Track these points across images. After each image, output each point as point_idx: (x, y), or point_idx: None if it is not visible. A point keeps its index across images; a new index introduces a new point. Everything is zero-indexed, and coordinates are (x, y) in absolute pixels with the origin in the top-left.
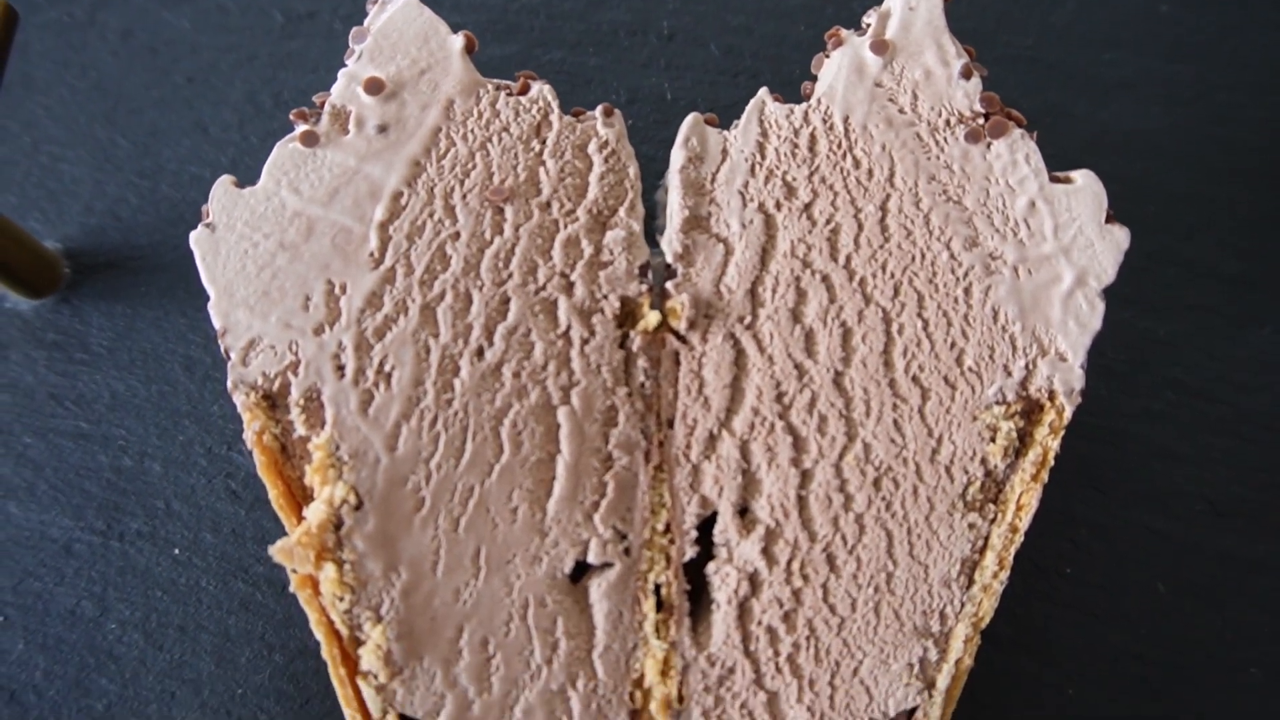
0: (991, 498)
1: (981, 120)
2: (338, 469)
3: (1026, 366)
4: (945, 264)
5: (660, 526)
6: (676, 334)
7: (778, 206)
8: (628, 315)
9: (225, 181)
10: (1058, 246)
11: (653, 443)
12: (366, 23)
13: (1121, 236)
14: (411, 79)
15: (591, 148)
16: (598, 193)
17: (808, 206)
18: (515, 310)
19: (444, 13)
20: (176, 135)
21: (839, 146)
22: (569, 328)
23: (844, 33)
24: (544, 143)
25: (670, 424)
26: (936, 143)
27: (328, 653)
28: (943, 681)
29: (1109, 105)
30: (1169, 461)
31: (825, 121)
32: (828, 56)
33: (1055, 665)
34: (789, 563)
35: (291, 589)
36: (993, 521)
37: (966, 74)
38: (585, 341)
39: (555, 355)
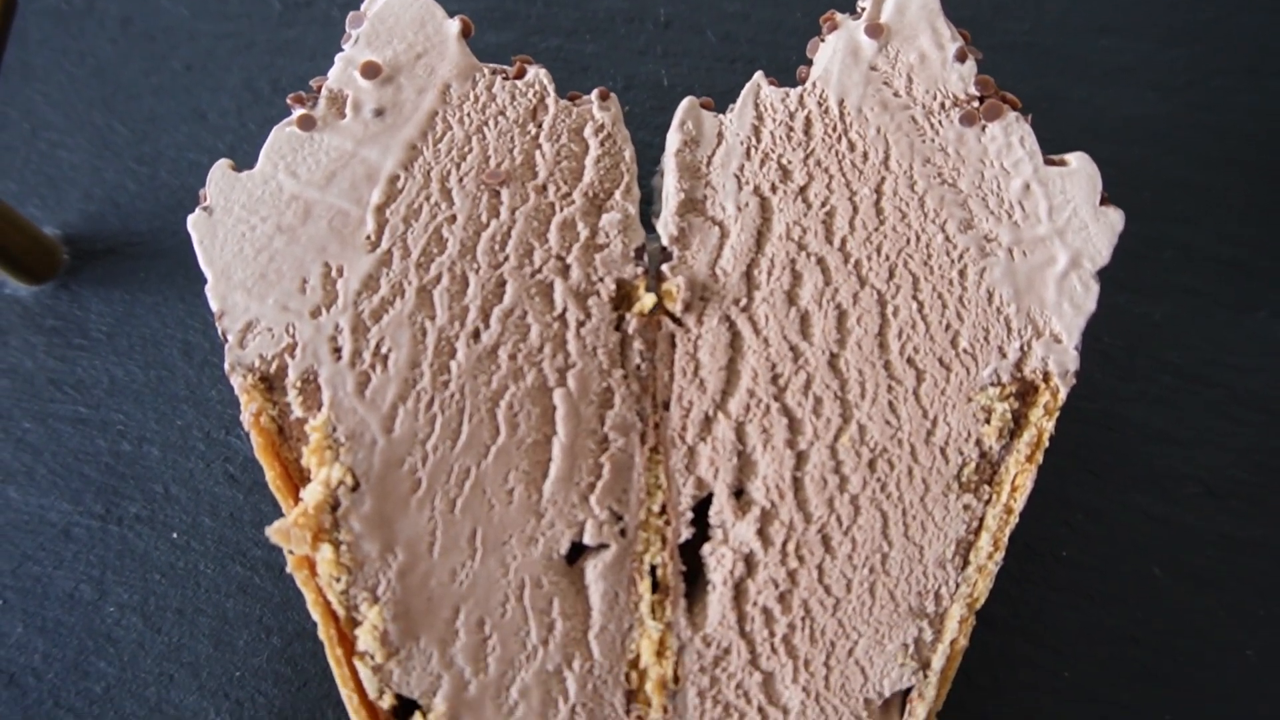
0: (986, 479)
1: (976, 103)
2: (334, 450)
3: (1021, 348)
4: (940, 246)
5: (656, 508)
6: (672, 316)
7: (773, 189)
8: (623, 298)
9: (223, 165)
10: (1052, 228)
11: (648, 424)
12: (363, 7)
13: (1116, 218)
14: (408, 63)
15: (587, 131)
16: (593, 176)
17: (803, 189)
18: (511, 293)
19: None
20: (175, 122)
21: (834, 130)
22: (565, 310)
23: (839, 16)
24: (540, 126)
25: (666, 406)
26: (931, 126)
27: (324, 633)
28: (938, 662)
29: (1105, 91)
30: (1165, 445)
31: (820, 105)
32: (823, 40)
33: (1051, 648)
34: (784, 544)
35: (288, 570)
36: (988, 503)
37: (961, 57)
38: (581, 324)
39: (551, 337)
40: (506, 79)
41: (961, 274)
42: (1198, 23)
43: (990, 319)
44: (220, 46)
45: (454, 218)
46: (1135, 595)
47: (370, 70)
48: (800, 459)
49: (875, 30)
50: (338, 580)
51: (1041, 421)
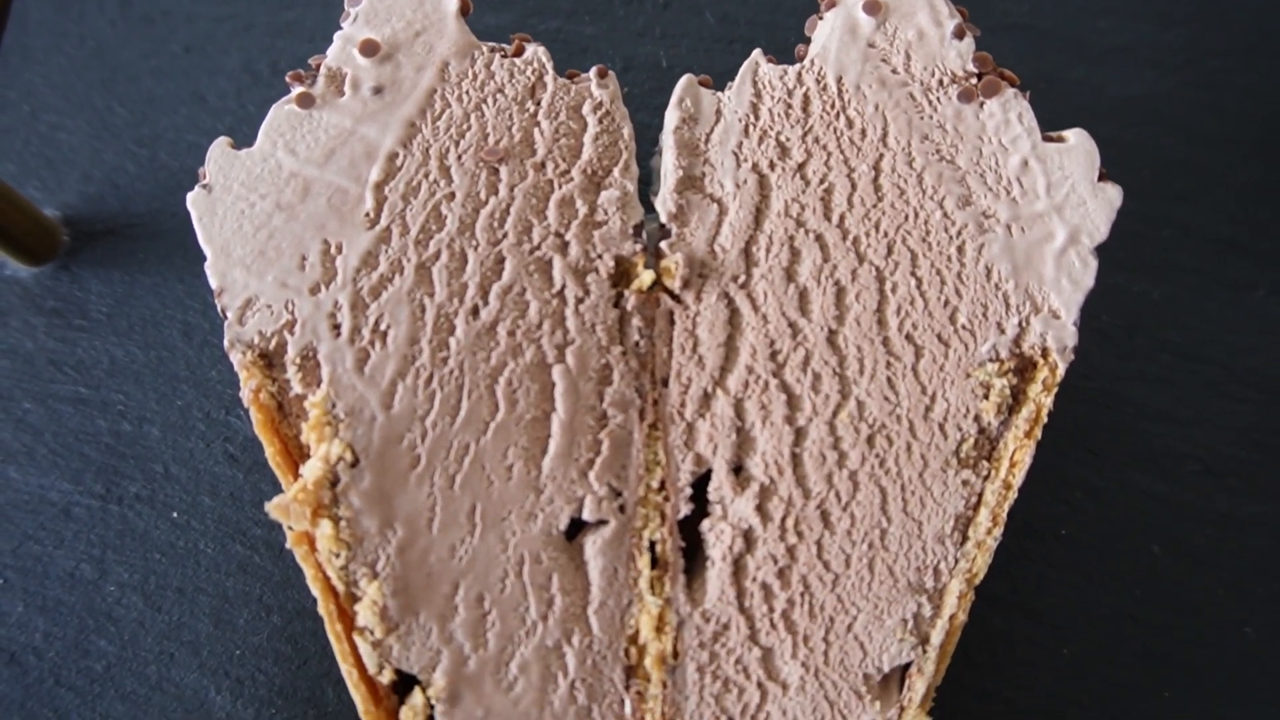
0: (985, 454)
1: (975, 80)
2: (334, 426)
3: (1020, 324)
4: (938, 222)
5: (655, 484)
6: (671, 293)
7: (771, 166)
8: (622, 275)
9: (222, 143)
10: (1050, 204)
11: (647, 401)
12: None
13: (1114, 194)
14: (406, 41)
15: (586, 109)
16: (592, 153)
17: (801, 166)
18: (510, 269)
19: None
20: (174, 104)
21: (832, 107)
22: (564, 287)
23: None
24: (539, 104)
25: (665, 382)
26: (929, 102)
27: (324, 608)
28: (937, 637)
29: (1103, 71)
30: (1163, 423)
31: (819, 82)
32: (821, 18)
33: (1050, 626)
34: (783, 519)
35: (288, 546)
36: (986, 478)
37: (959, 34)
38: (580, 300)
39: (550, 314)
40: (505, 57)
41: (960, 250)
42: (1195, 3)
43: (989, 295)
44: (219, 29)
45: (453, 195)
46: (1134, 573)
47: (369, 48)
48: (799, 435)
49: (873, 7)
50: (337, 556)
51: (1040, 397)
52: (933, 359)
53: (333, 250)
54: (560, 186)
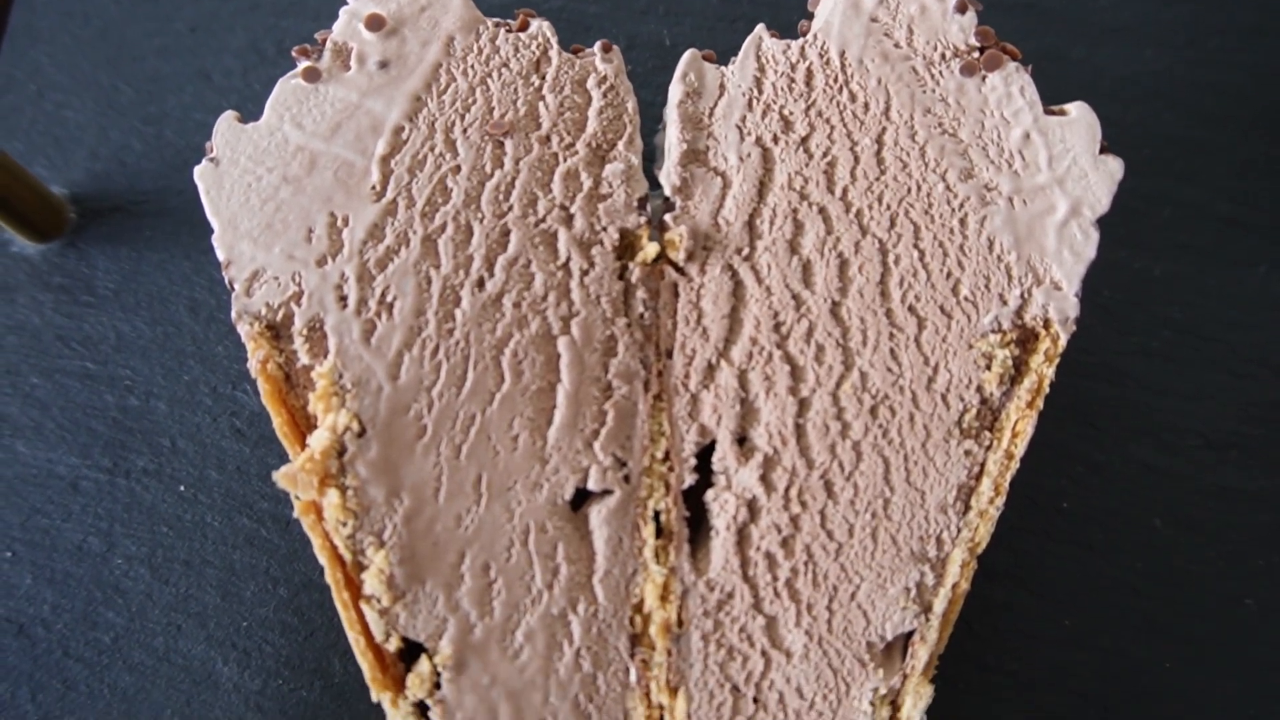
0: (987, 425)
1: (977, 54)
2: (341, 397)
3: (1022, 295)
4: (941, 195)
5: (659, 454)
6: (675, 265)
7: (775, 140)
8: (627, 247)
9: (229, 117)
10: (1052, 177)
11: (652, 372)
12: None
13: (1115, 167)
14: (412, 15)
15: (590, 83)
16: (596, 127)
17: (805, 140)
18: (515, 242)
19: None
20: (180, 82)
21: (835, 81)
22: (569, 259)
23: None
24: (543, 78)
25: (669, 354)
26: (932, 76)
27: (331, 577)
28: (939, 605)
29: (1104, 49)
30: (1165, 398)
31: (822, 56)
32: None
33: (1052, 598)
34: (787, 489)
35: (295, 515)
36: (989, 448)
37: (961, 8)
38: (585, 272)
39: (555, 286)
40: (510, 31)
41: (962, 222)
42: None
43: (991, 267)
44: (224, 7)
45: (458, 168)
46: (1135, 546)
47: (374, 23)
48: (802, 406)
49: None
50: (344, 525)
51: (1042, 368)
52: (935, 330)
53: (339, 223)
54: (565, 160)
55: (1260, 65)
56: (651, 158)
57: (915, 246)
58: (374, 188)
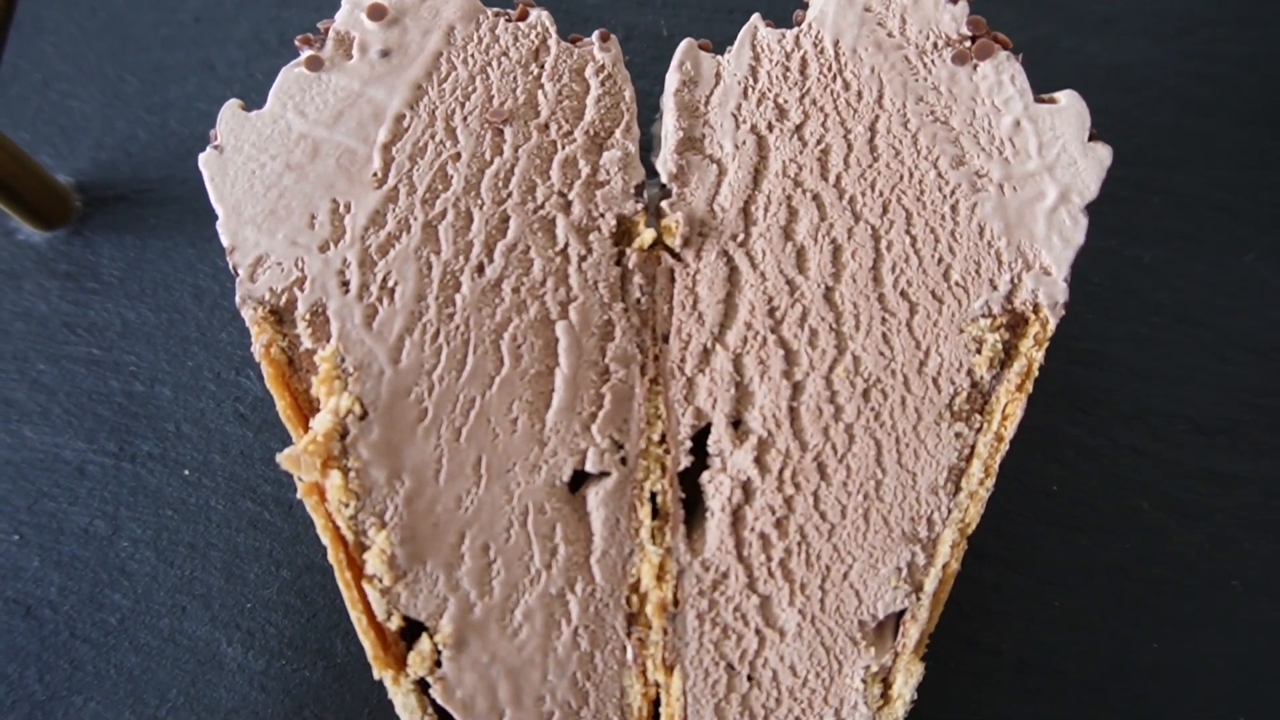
0: (978, 408)
1: (968, 43)
2: (343, 380)
3: (1011, 280)
4: (933, 182)
5: (656, 437)
6: (671, 251)
7: (769, 128)
8: (624, 233)
9: (233, 105)
10: (1042, 164)
11: (648, 356)
12: None
13: (1104, 154)
14: (413, 5)
15: (588, 72)
16: (594, 115)
17: (799, 128)
18: (515, 228)
19: None
20: (184, 72)
21: (829, 69)
22: (567, 245)
23: None
24: (542, 67)
25: (665, 339)
26: (924, 65)
27: (333, 557)
28: (930, 585)
29: (1096, 39)
30: (1153, 383)
31: (816, 45)
32: None
33: (1041, 579)
34: (781, 471)
35: (298, 496)
36: (979, 431)
37: None
38: (583, 258)
39: (553, 271)
40: (509, 21)
41: (953, 209)
42: None
43: (981, 252)
44: None
45: (458, 155)
46: (1124, 528)
47: (376, 12)
48: (796, 389)
49: None
50: (346, 506)
51: (1031, 352)
52: (927, 315)
53: (341, 209)
54: (563, 147)
55: (1250, 55)
56: (648, 147)
57: (907, 232)
58: (375, 175)
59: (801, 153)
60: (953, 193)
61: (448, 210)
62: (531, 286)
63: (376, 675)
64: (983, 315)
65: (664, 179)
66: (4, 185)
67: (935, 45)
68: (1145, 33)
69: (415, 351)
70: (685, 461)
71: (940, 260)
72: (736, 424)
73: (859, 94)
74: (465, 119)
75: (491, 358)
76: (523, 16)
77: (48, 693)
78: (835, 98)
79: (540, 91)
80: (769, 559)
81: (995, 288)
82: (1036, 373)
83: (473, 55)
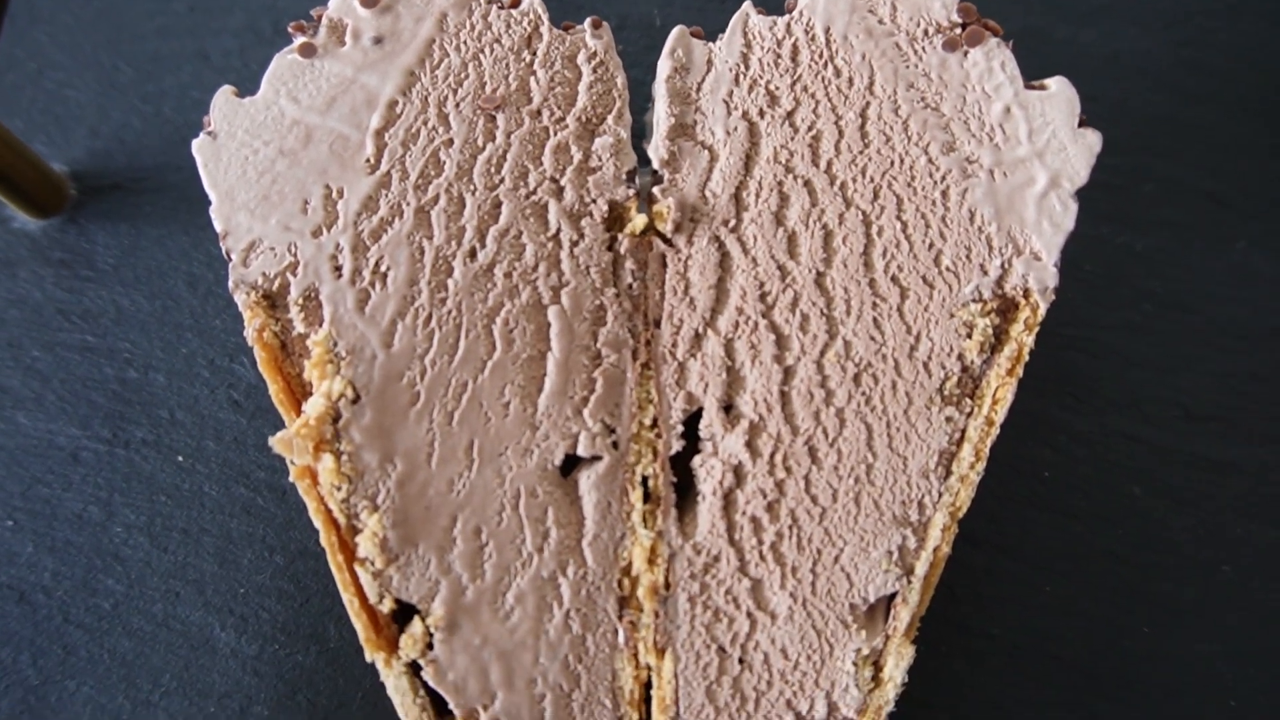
0: (968, 392)
1: (959, 29)
2: (335, 364)
3: (1002, 265)
4: (923, 168)
5: (647, 421)
6: (663, 237)
7: (761, 114)
8: (615, 219)
9: (226, 91)
10: (1032, 150)
11: (640, 341)
12: None
13: (1094, 140)
14: None
15: (580, 59)
16: (586, 101)
17: (790, 114)
18: (507, 213)
19: None
20: (179, 62)
21: (820, 56)
22: (559, 230)
23: None
24: (534, 54)
25: (657, 323)
26: (915, 52)
27: (326, 541)
28: (921, 568)
29: (1087, 28)
30: (1145, 370)
31: (807, 32)
32: None
33: (1034, 565)
34: (772, 455)
35: (291, 480)
36: (969, 415)
37: None
38: (574, 243)
39: (545, 256)
40: (502, 8)
41: (944, 195)
42: None
43: (972, 238)
44: None
45: (451, 141)
46: (1115, 514)
47: None
48: (787, 374)
49: None
50: (339, 489)
51: (1022, 336)
52: (917, 300)
53: (334, 195)
54: (555, 133)
55: (1240, 45)
56: (641, 135)
57: (898, 218)
58: (368, 160)
59: (793, 139)
60: (943, 178)
61: (440, 196)
62: (524, 271)
63: (368, 658)
64: (973, 300)
65: (656, 165)
66: None
67: (926, 32)
68: (1137, 22)
69: (408, 336)
70: (677, 446)
71: (931, 245)
72: (728, 408)
73: (850, 81)
74: (458, 105)
75: (484, 342)
76: (515, 4)
77: (41, 677)
78: (826, 84)
79: (533, 78)
80: (760, 542)
81: (986, 273)
82: (1027, 357)
83: (465, 42)
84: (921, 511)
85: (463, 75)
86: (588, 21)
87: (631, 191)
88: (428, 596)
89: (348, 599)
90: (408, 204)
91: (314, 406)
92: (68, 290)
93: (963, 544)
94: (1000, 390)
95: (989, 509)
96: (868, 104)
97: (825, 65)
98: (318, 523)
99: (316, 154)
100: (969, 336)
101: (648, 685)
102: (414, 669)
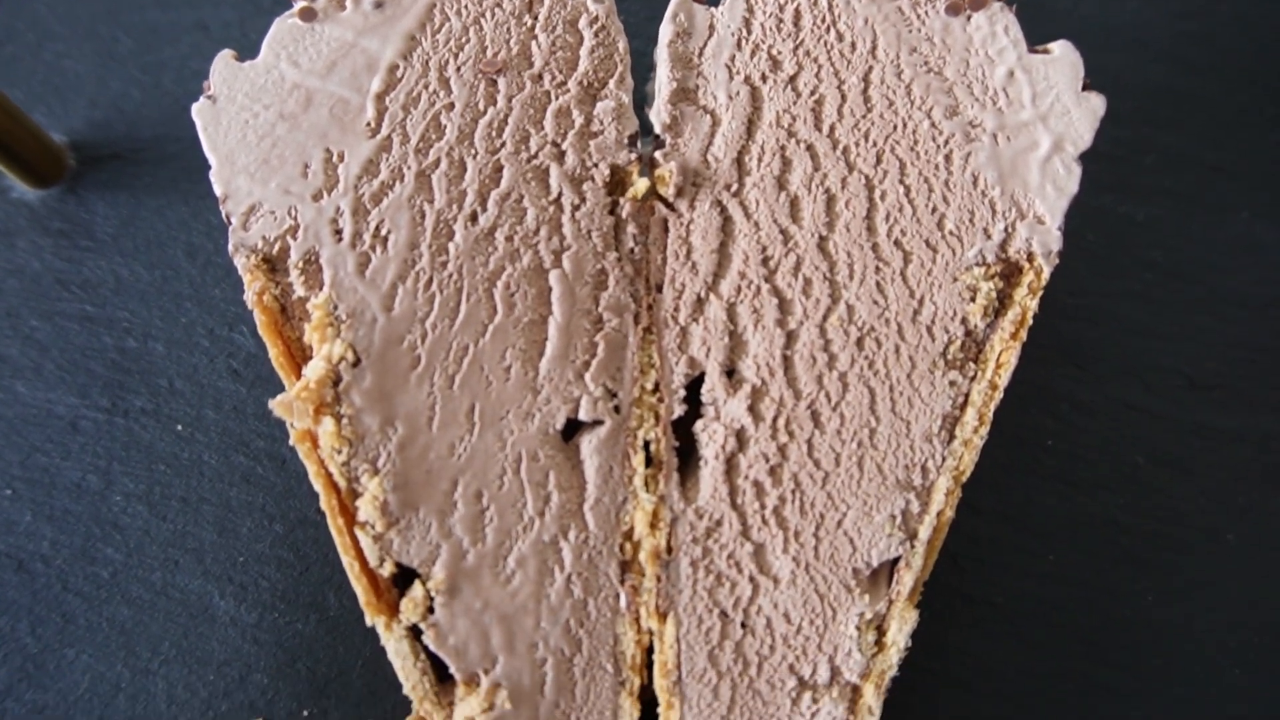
0: (972, 356)
1: None
2: (336, 328)
3: (1006, 229)
4: (926, 132)
5: (649, 386)
6: (665, 201)
7: (763, 79)
8: (617, 183)
9: (226, 55)
10: (1035, 114)
11: (642, 305)
12: None
13: (1098, 104)
14: None
15: (582, 23)
16: (588, 66)
17: (792, 79)
18: (508, 177)
19: None
20: (178, 33)
21: (823, 20)
22: (560, 194)
23: None
24: (535, 18)
25: (659, 288)
26: (918, 16)
27: (326, 504)
28: (924, 532)
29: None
30: (1148, 339)
31: None
32: None
33: (1037, 533)
34: (774, 420)
35: (291, 443)
36: (973, 379)
37: None
38: (576, 208)
39: (547, 220)
40: None
41: (947, 159)
42: None
43: (975, 202)
44: None
45: (452, 105)
46: (1119, 483)
47: None
48: (790, 338)
49: None
50: (339, 452)
51: (1025, 300)
52: (921, 264)
53: (335, 158)
54: (557, 98)
55: (1242, 16)
56: (642, 106)
57: (901, 182)
58: (369, 124)
59: (795, 103)
60: (946, 143)
61: (441, 160)
62: (525, 235)
63: (369, 622)
64: (977, 264)
65: (658, 130)
66: None
67: None
68: None
69: (408, 299)
70: (679, 410)
71: (934, 210)
72: (730, 373)
73: (853, 45)
74: (459, 69)
75: (485, 306)
76: None
77: (40, 645)
78: (829, 49)
79: (534, 42)
80: (763, 507)
81: (989, 236)
82: (1030, 321)
83: (466, 6)
84: (925, 475)
85: (464, 39)
86: None
87: (633, 156)
88: (428, 560)
89: (348, 563)
90: (408, 168)
91: (314, 370)
92: (67, 260)
93: (966, 513)
94: (1004, 354)
95: (993, 478)
96: (870, 68)
97: (828, 30)
98: (318, 486)
99: (317, 118)
100: (972, 300)
101: (650, 650)
102: (415, 633)
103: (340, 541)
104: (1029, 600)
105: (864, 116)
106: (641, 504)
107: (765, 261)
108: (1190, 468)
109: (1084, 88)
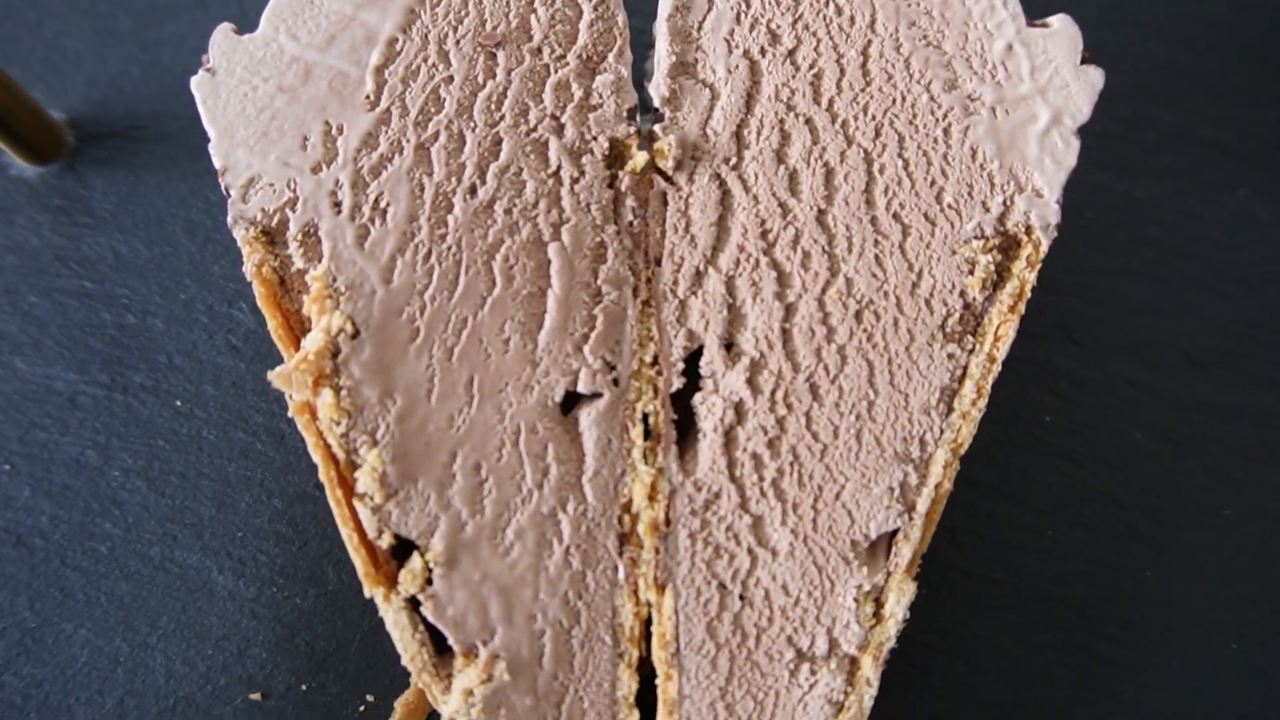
0: (970, 329)
1: None
2: (335, 299)
3: (1004, 203)
4: (925, 106)
5: (648, 358)
6: (664, 175)
7: (762, 53)
8: (616, 156)
9: (225, 28)
10: (1034, 87)
11: (641, 279)
12: None
13: (1096, 76)
14: None
15: None
16: (587, 39)
17: (791, 52)
18: (507, 150)
19: None
20: (177, 10)
21: None
22: (559, 167)
23: None
24: None
25: (658, 261)
26: None
27: (324, 475)
28: (923, 505)
29: None
30: (1146, 315)
31: None
32: None
33: (1035, 509)
34: (773, 392)
35: (290, 414)
36: (971, 352)
37: None
38: (575, 180)
39: (546, 193)
40: None
41: (946, 132)
42: None
43: (974, 175)
44: None
45: (451, 78)
46: (1117, 459)
47: None
48: (789, 311)
49: None
50: (338, 424)
51: (1024, 273)
52: (919, 237)
53: (334, 131)
54: (556, 71)
55: None
56: (642, 83)
57: (900, 156)
58: (368, 97)
59: (794, 77)
60: (945, 116)
61: (440, 132)
62: (524, 208)
63: (367, 593)
64: (975, 237)
65: (657, 103)
66: None
67: None
68: None
69: (407, 271)
70: (678, 383)
71: (933, 183)
72: (729, 346)
73: (851, 19)
74: (458, 42)
75: (484, 278)
76: None
77: (38, 620)
78: (828, 22)
79: (533, 15)
80: (761, 479)
81: (988, 210)
82: (1029, 294)
83: None
84: (923, 448)
85: (463, 12)
86: None
87: (632, 129)
88: (427, 532)
89: (346, 534)
90: (407, 141)
91: (313, 341)
92: (65, 237)
93: (965, 488)
94: (1002, 327)
95: (991, 454)
96: (869, 42)
97: (827, 3)
98: (316, 458)
99: (316, 90)
100: (971, 273)
101: (648, 622)
102: (413, 604)
103: (339, 513)
104: (1027, 575)
105: (863, 90)
106: (640, 476)
107: (764, 235)
108: (1188, 444)
109: (1082, 61)
